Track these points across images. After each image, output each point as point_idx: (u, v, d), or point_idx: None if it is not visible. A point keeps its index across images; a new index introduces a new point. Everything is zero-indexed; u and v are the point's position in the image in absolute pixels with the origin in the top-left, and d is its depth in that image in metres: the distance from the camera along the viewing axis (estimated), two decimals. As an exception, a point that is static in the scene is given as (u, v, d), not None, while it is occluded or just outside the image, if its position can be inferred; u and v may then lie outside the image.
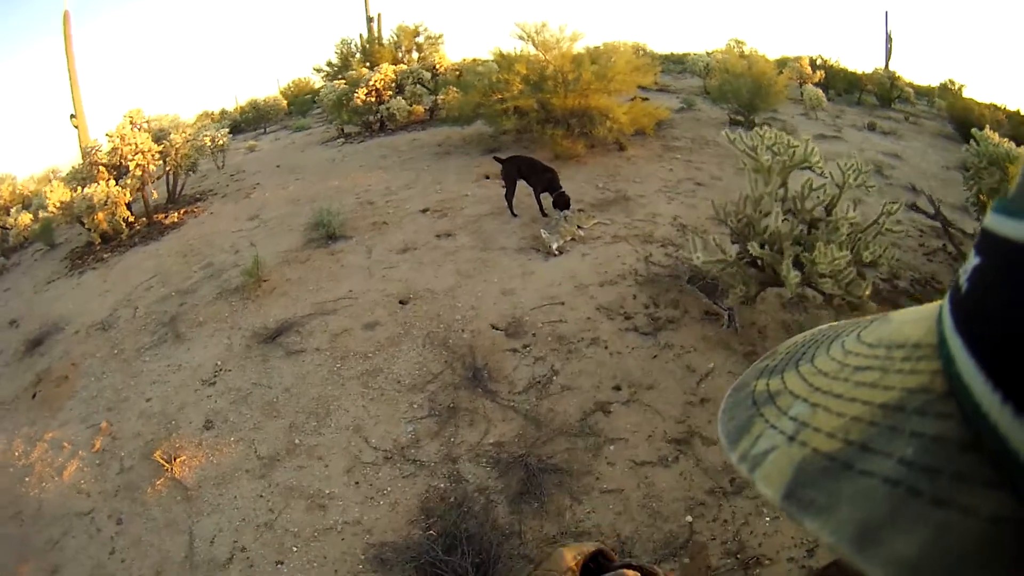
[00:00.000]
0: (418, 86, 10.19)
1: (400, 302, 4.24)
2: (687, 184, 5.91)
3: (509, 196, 5.35)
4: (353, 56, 12.64)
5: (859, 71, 13.59)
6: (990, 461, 0.16)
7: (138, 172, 6.83)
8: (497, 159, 5.53)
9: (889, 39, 17.18)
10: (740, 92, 8.39)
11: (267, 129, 13.82)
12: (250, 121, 14.75)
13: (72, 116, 12.88)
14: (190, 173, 7.90)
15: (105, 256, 6.28)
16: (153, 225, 6.91)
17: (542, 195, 5.25)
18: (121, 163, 6.99)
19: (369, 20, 14.40)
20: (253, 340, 4.06)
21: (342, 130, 10.13)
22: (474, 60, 10.65)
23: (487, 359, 3.57)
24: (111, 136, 7.03)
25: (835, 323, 0.30)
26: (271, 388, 3.61)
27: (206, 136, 8.18)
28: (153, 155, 7.03)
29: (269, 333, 4.09)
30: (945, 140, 9.00)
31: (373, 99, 9.56)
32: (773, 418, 0.24)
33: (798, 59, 13.56)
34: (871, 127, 9.19)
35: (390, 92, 9.76)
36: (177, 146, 7.38)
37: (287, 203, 6.68)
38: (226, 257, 5.44)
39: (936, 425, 0.18)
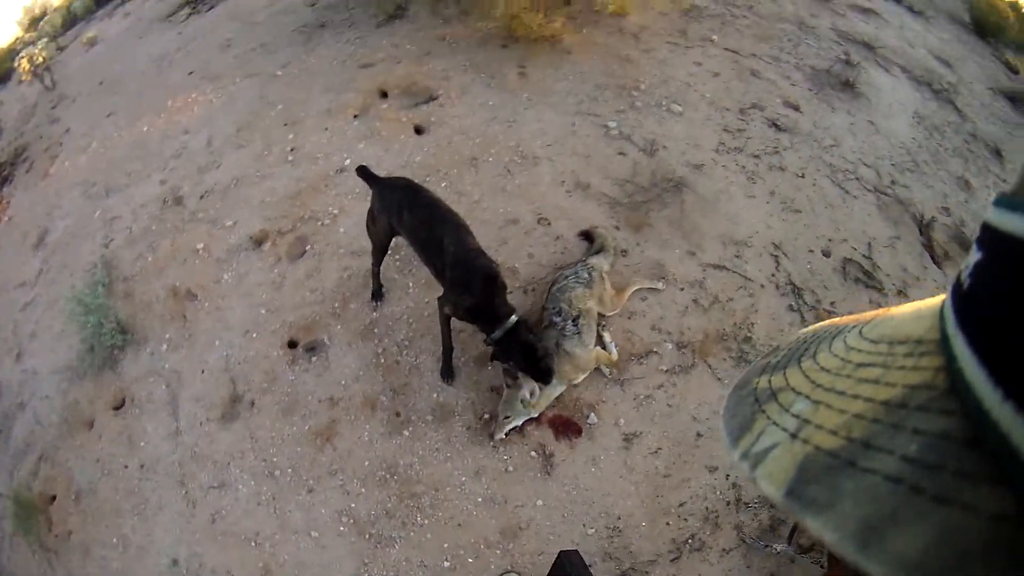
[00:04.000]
0: None
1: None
2: (758, 120, 3.74)
3: (375, 266, 2.74)
4: None
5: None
6: (992, 458, 0.16)
7: None
8: (365, 175, 2.56)
9: None
10: None
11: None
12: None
13: None
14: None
15: None
16: None
17: (456, 312, 2.34)
18: None
19: None
20: None
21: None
22: None
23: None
24: None
25: (837, 319, 0.30)
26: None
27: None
28: None
29: None
30: (963, 31, 7.67)
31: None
32: (775, 415, 0.24)
33: None
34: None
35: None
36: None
37: (83, 199, 4.21)
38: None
39: (938, 422, 0.18)
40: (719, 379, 2.71)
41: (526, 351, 2.18)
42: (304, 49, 4.60)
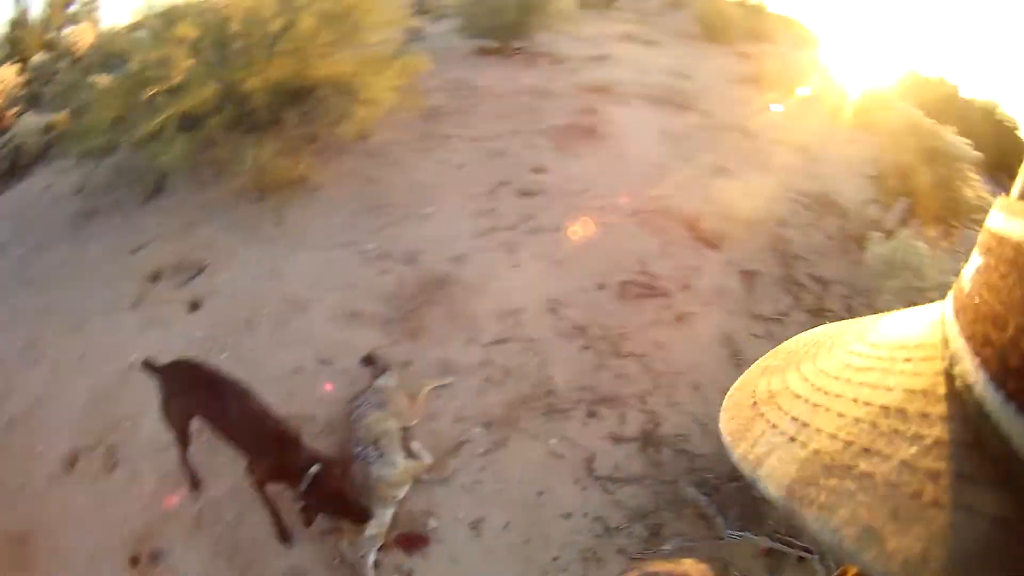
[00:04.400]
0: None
1: None
2: (507, 195, 4.02)
3: (182, 455, 2.64)
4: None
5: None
6: (992, 461, 0.16)
7: None
8: (147, 367, 2.57)
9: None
10: (506, 8, 6.51)
11: None
12: None
13: None
14: None
15: None
16: None
17: (262, 478, 2.34)
18: None
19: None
20: None
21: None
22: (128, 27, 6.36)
23: None
24: None
25: (837, 324, 0.30)
26: None
27: None
28: None
29: None
30: (696, 41, 8.82)
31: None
32: (774, 418, 0.24)
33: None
34: (629, 37, 8.58)
35: (16, 110, 6.44)
36: None
37: None
38: None
39: (938, 426, 0.18)
40: (535, 436, 2.78)
41: (333, 498, 2.20)
42: (77, 243, 4.43)
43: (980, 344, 0.18)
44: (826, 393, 0.23)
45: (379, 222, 3.91)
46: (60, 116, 5.82)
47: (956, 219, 4.86)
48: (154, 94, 3.94)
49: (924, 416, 0.19)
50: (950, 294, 0.22)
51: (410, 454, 2.64)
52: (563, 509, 2.51)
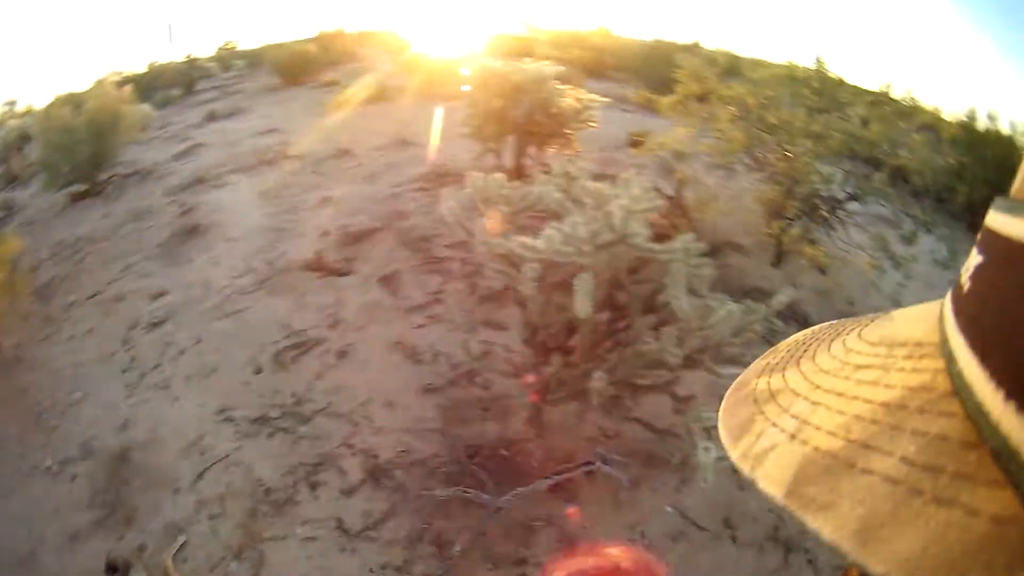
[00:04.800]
0: None
1: None
2: (140, 335, 3.89)
3: None
4: None
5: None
6: (992, 460, 0.16)
7: None
8: None
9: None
10: (78, 145, 6.05)
11: None
12: None
13: None
14: None
15: None
16: None
17: None
18: None
19: None
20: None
21: None
22: None
23: None
24: None
25: (836, 321, 0.30)
26: None
27: None
28: None
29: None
30: (273, 89, 9.10)
31: None
32: (774, 416, 0.24)
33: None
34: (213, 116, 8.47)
35: None
36: None
37: None
38: None
39: (938, 424, 0.18)
40: (283, 537, 2.85)
41: None
42: None
43: (979, 342, 0.17)
44: (826, 391, 0.23)
45: (43, 433, 3.60)
46: None
47: (570, 127, 5.33)
48: None
49: (924, 414, 0.19)
50: (950, 292, 0.22)
51: None
52: (349, 578, 2.59)
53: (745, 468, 0.23)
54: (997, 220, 0.19)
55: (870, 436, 0.19)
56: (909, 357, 0.22)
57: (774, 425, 0.23)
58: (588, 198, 2.80)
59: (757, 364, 0.30)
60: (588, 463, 2.92)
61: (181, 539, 2.95)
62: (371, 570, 2.64)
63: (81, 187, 6.34)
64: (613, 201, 2.62)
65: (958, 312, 0.20)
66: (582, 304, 2.42)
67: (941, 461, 0.17)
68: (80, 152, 6.13)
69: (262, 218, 4.97)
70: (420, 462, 3.03)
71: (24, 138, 8.91)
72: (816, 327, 0.31)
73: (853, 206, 5.20)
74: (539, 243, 2.54)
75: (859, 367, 0.23)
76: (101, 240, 5.29)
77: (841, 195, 5.18)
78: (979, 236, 0.20)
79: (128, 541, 2.97)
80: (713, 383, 2.64)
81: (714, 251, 4.44)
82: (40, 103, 9.99)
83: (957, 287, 0.21)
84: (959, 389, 0.18)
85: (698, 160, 5.81)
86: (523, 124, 5.33)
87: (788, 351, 0.29)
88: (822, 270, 5.14)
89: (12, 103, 11.70)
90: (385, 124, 6.74)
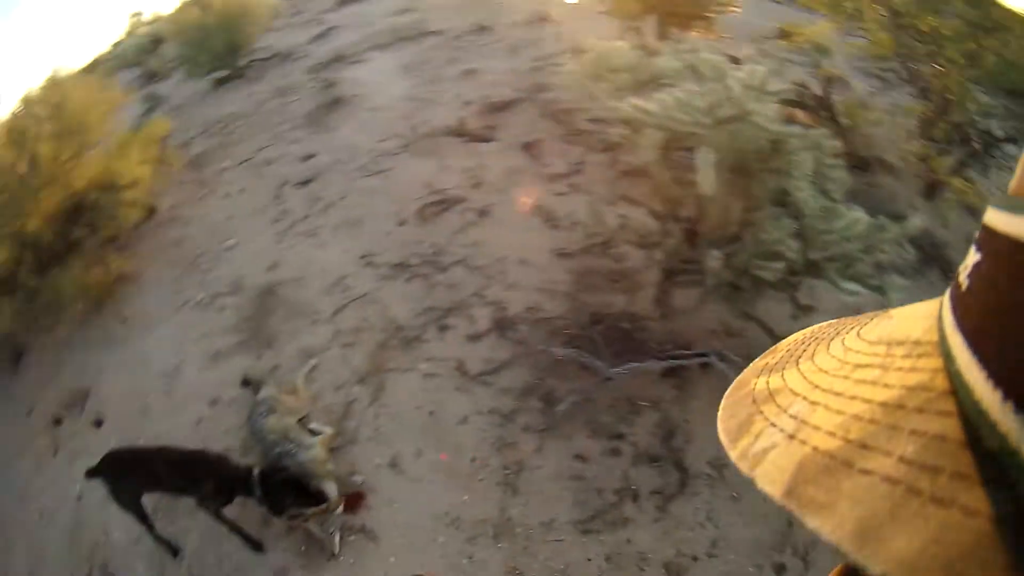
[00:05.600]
0: None
1: None
2: (290, 191, 4.09)
3: (152, 532, 2.86)
4: None
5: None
6: (990, 459, 0.16)
7: None
8: (90, 473, 2.79)
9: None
10: (212, 37, 6.34)
11: None
12: None
13: None
14: None
15: None
16: None
17: (216, 500, 2.63)
18: None
19: None
20: None
21: None
22: None
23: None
24: None
25: (836, 320, 0.30)
26: None
27: None
28: None
29: None
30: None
31: None
32: (773, 416, 0.24)
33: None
34: None
35: None
36: None
37: None
38: None
39: (936, 423, 0.18)
40: (405, 370, 3.03)
41: (288, 487, 2.43)
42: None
43: (978, 341, 0.17)
44: (825, 390, 0.23)
45: (198, 273, 4.04)
46: None
47: (711, 10, 5.17)
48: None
49: (922, 413, 0.18)
50: (948, 291, 0.21)
51: (315, 433, 2.93)
52: (458, 416, 2.79)
53: (744, 468, 0.22)
54: (996, 218, 0.18)
55: (868, 436, 0.19)
56: (907, 356, 0.21)
57: (773, 425, 0.23)
58: (707, 70, 2.70)
59: (756, 364, 0.30)
60: (703, 354, 2.84)
61: (314, 362, 3.23)
62: (479, 412, 2.74)
63: (223, 73, 6.62)
64: (731, 74, 2.53)
65: (956, 311, 0.19)
66: (705, 179, 2.37)
67: (939, 461, 0.16)
68: (216, 43, 6.55)
69: (404, 89, 4.94)
70: (545, 320, 2.99)
71: (156, 41, 9.44)
72: (816, 327, 0.30)
73: (1010, 148, 4.44)
74: (651, 106, 2.51)
75: (858, 366, 0.23)
76: (248, 115, 5.54)
77: (999, 132, 4.45)
78: (977, 234, 0.20)
79: (265, 361, 3.30)
80: (838, 303, 2.52)
81: (862, 165, 4.25)
82: (166, 11, 10.49)
83: (956, 285, 0.20)
84: (957, 388, 0.18)
85: (851, 66, 5.23)
86: (664, 2, 5.09)
87: (787, 351, 0.29)
88: (972, 211, 4.41)
89: (138, 14, 12.53)
90: (523, 1, 6.23)
